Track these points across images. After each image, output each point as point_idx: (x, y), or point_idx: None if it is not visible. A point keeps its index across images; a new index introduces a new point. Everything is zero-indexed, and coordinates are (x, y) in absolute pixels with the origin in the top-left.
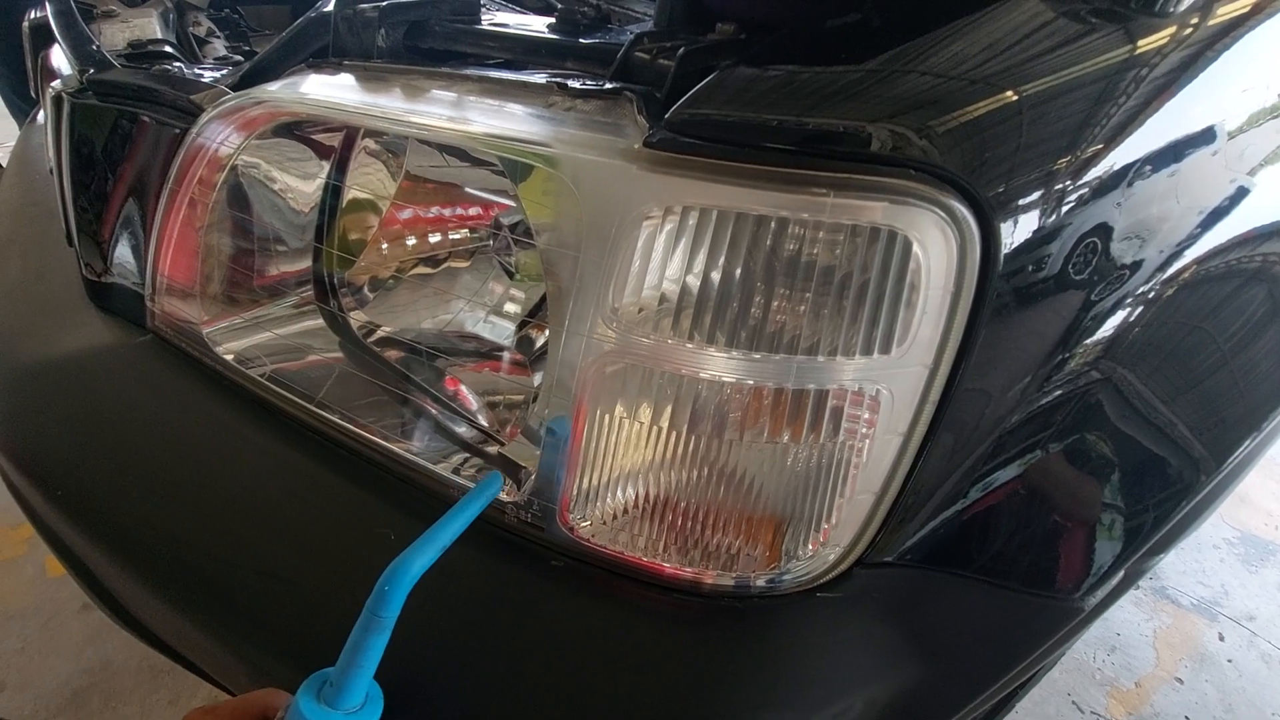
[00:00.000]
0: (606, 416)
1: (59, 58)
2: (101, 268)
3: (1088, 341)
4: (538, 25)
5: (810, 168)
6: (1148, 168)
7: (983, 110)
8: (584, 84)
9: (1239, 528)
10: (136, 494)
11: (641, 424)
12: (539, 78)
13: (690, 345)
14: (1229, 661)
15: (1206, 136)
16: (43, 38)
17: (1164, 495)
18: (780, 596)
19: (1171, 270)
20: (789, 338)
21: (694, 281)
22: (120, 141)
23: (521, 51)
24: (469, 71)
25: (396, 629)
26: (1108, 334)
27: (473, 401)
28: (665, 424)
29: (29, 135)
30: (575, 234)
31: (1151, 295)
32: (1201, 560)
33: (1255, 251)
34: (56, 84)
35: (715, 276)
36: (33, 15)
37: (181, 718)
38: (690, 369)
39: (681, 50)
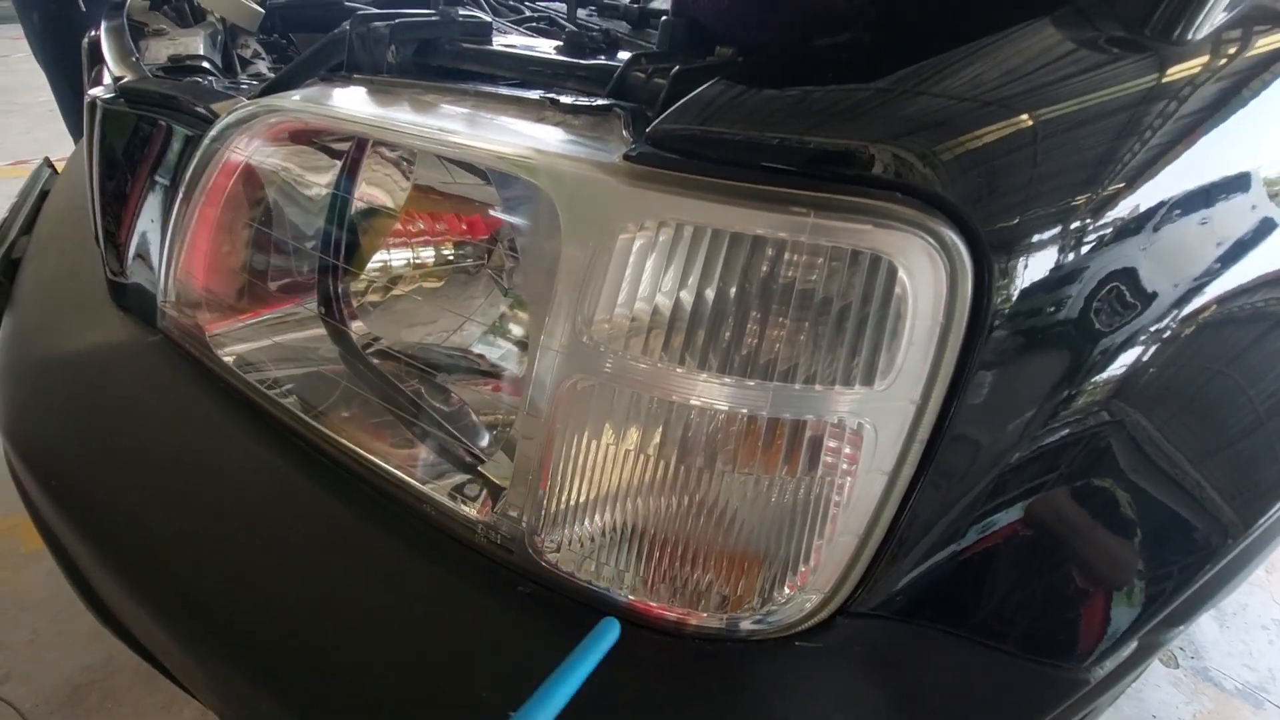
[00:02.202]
0: (575, 436)
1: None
2: (119, 267)
3: (1097, 381)
4: (545, 48)
5: (791, 186)
6: (1176, 211)
7: (984, 139)
8: (576, 100)
9: None
10: (122, 491)
11: (609, 446)
12: (534, 94)
13: (660, 366)
14: None
15: (1241, 182)
16: (98, 55)
17: (1186, 558)
18: (754, 642)
19: (1190, 309)
20: (764, 363)
21: (665, 300)
22: (140, 145)
23: (526, 71)
24: (467, 87)
25: (341, 636)
26: (1121, 377)
27: (466, 419)
28: (633, 447)
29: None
30: (554, 247)
31: (1168, 335)
32: (1249, 641)
33: None
34: (93, 91)
35: (687, 296)
36: (92, 34)
37: None
38: (659, 391)
39: (676, 69)
